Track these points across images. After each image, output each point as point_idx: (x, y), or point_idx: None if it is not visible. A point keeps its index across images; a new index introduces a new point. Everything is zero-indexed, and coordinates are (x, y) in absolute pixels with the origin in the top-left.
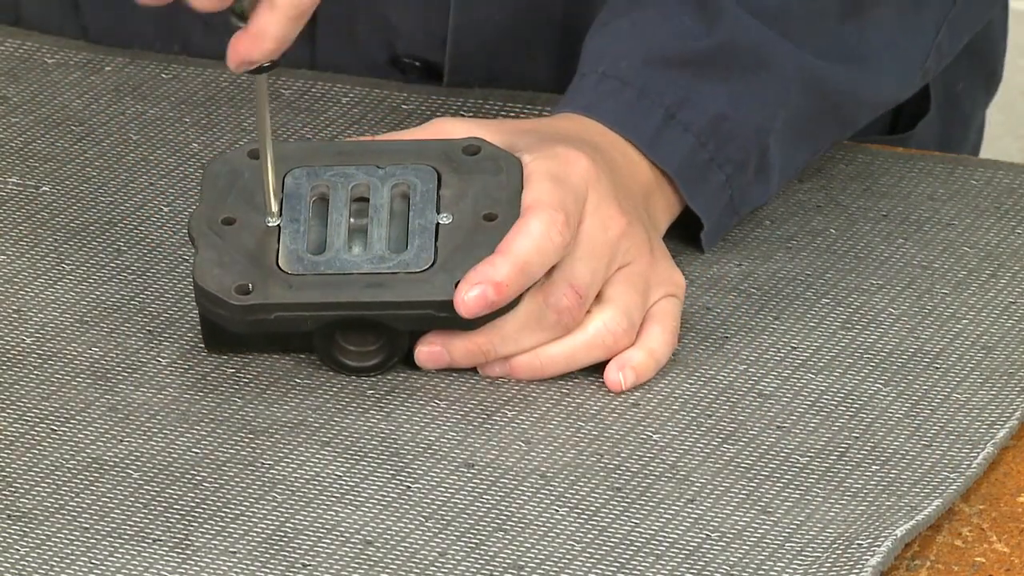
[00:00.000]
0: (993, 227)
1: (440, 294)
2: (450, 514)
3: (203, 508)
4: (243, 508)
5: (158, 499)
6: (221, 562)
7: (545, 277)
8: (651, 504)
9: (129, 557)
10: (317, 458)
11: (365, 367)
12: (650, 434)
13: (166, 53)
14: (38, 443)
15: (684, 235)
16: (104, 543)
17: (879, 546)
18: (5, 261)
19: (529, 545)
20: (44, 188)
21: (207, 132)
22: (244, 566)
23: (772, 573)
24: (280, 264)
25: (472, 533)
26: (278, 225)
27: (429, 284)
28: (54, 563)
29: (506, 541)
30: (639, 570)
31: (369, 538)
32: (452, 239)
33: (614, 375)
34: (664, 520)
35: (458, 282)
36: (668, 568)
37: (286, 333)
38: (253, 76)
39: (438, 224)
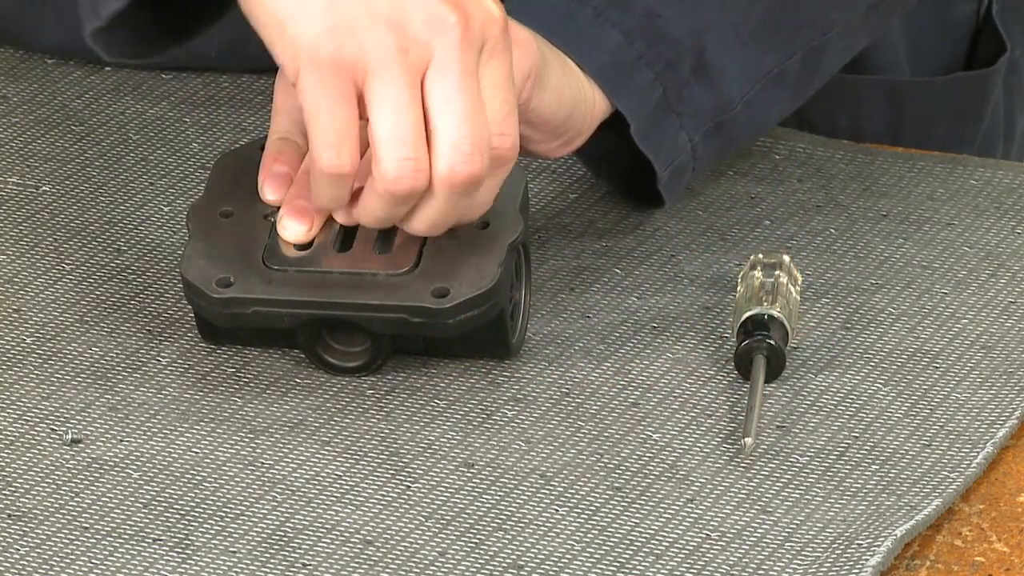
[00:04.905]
0: (993, 227)
1: (414, 299)
2: (450, 514)
3: (203, 508)
4: (243, 508)
5: (158, 499)
6: (221, 562)
7: None
8: (651, 504)
9: (129, 557)
10: (317, 458)
11: (348, 367)
12: (650, 434)
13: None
14: (38, 443)
15: (682, 233)
16: (104, 543)
17: (879, 546)
18: (5, 261)
19: (529, 545)
20: (44, 188)
21: (207, 132)
22: (244, 566)
23: (772, 573)
24: (265, 259)
25: (472, 533)
26: (272, 220)
27: (405, 288)
28: (54, 563)
29: (506, 541)
30: (639, 570)
31: (369, 538)
32: (439, 244)
33: None
34: (664, 520)
35: (433, 288)
36: (668, 568)
37: (270, 328)
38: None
39: None
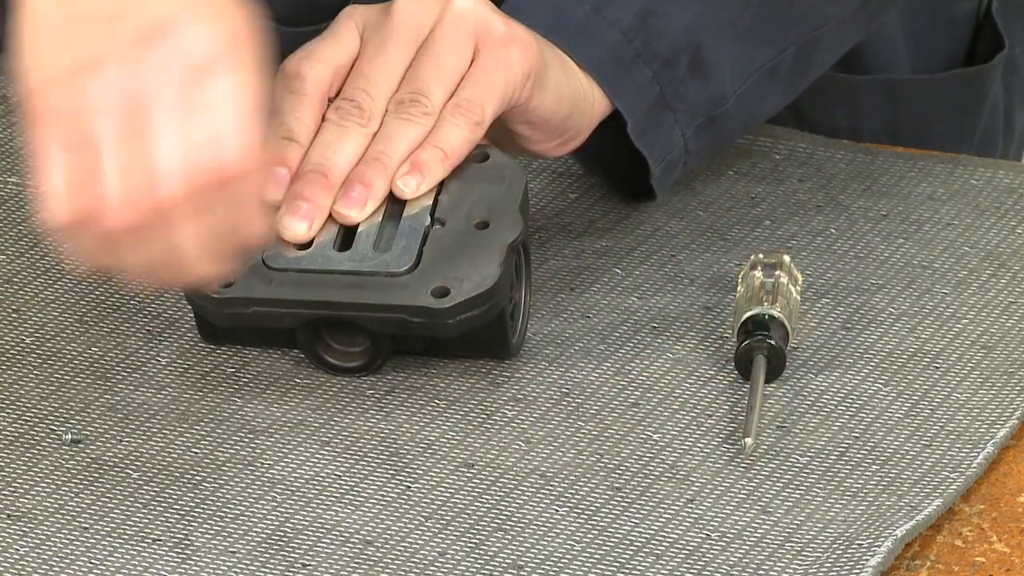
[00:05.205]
0: (993, 227)
1: (414, 299)
2: (450, 514)
3: (203, 508)
4: (243, 508)
5: (158, 499)
6: (221, 562)
7: None
8: (651, 504)
9: (129, 557)
10: (317, 458)
11: (348, 367)
12: (650, 434)
13: None
14: (38, 443)
15: (682, 233)
16: (104, 543)
17: (879, 546)
18: (5, 261)
19: (529, 545)
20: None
21: None
22: (244, 566)
23: (772, 573)
24: (265, 259)
25: (472, 533)
26: None
27: (405, 288)
28: (54, 563)
29: (506, 541)
30: (639, 570)
31: (369, 538)
32: (439, 243)
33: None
34: (664, 520)
35: (433, 288)
36: (668, 568)
37: (270, 328)
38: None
39: (428, 227)
